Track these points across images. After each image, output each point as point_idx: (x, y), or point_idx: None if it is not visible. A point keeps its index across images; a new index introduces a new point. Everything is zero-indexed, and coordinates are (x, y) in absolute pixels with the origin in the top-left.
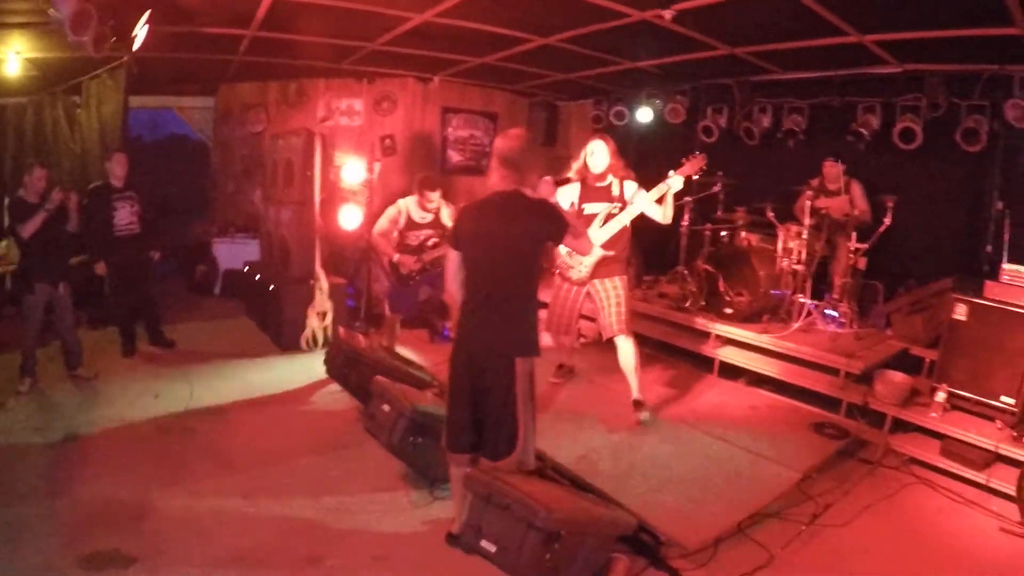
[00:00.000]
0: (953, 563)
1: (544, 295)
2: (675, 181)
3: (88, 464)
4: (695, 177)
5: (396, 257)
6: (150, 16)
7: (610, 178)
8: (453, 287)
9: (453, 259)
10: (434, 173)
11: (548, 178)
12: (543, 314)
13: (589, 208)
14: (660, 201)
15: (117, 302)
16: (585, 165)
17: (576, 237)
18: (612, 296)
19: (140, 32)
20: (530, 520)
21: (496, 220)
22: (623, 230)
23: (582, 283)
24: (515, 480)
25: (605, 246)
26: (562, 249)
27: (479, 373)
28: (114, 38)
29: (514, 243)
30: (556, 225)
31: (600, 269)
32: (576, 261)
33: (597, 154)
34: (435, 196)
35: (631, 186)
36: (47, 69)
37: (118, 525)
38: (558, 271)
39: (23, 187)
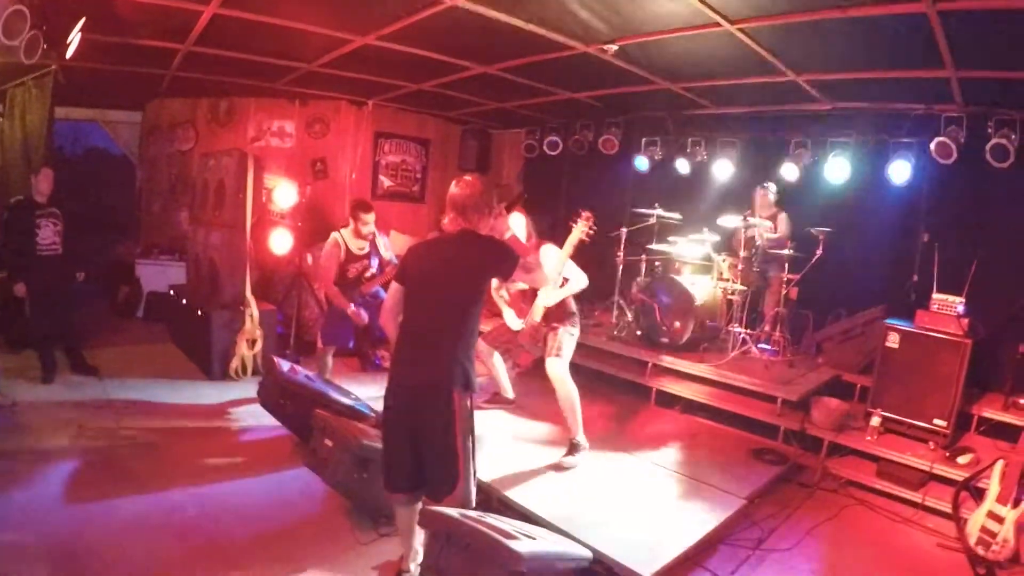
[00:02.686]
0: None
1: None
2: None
3: (11, 500)
4: (589, 232)
5: (351, 310)
6: (85, 24)
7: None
8: (389, 320)
9: (395, 292)
10: (365, 199)
11: (503, 210)
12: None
13: None
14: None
15: (37, 325)
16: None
17: (528, 271)
18: (556, 334)
19: (74, 40)
20: (494, 558)
21: (442, 256)
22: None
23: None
24: (472, 517)
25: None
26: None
27: (417, 410)
28: (45, 45)
29: (457, 279)
30: (504, 260)
31: (551, 320)
32: (511, 318)
33: (517, 229)
34: (370, 218)
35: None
36: None
37: (38, 558)
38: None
39: None
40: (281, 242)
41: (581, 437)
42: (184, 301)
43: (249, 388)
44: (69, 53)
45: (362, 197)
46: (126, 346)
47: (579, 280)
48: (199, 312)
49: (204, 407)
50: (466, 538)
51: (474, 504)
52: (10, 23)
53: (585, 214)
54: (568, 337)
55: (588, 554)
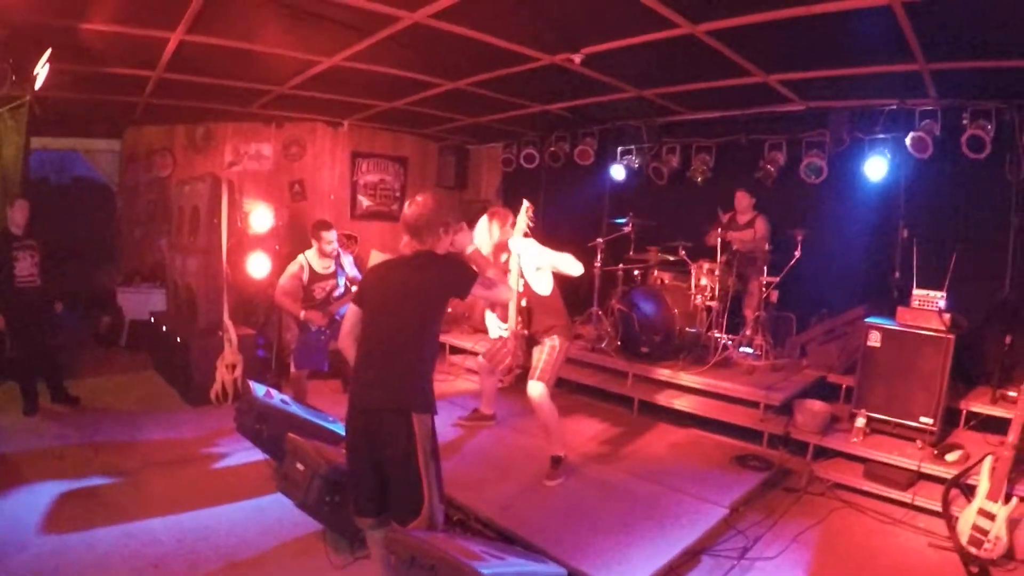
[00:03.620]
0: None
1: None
2: (515, 244)
3: None
4: (530, 223)
5: (303, 315)
6: (51, 55)
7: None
8: (347, 343)
9: (352, 314)
10: (335, 219)
11: (463, 226)
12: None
13: None
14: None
15: (17, 357)
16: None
17: (488, 287)
18: (541, 350)
19: (41, 71)
20: None
21: (398, 278)
22: (541, 303)
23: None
24: (438, 540)
25: (525, 326)
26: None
27: (375, 433)
28: (13, 76)
29: (412, 301)
30: (461, 279)
31: (538, 328)
32: (494, 324)
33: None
34: (331, 235)
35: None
36: None
37: None
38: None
39: None
40: (259, 266)
41: (562, 452)
42: (164, 328)
43: (229, 414)
44: (38, 84)
45: (321, 218)
46: (108, 375)
47: (568, 265)
48: (178, 339)
49: (183, 434)
50: (431, 560)
51: (440, 525)
52: None
53: (526, 204)
54: (553, 353)
55: (562, 572)
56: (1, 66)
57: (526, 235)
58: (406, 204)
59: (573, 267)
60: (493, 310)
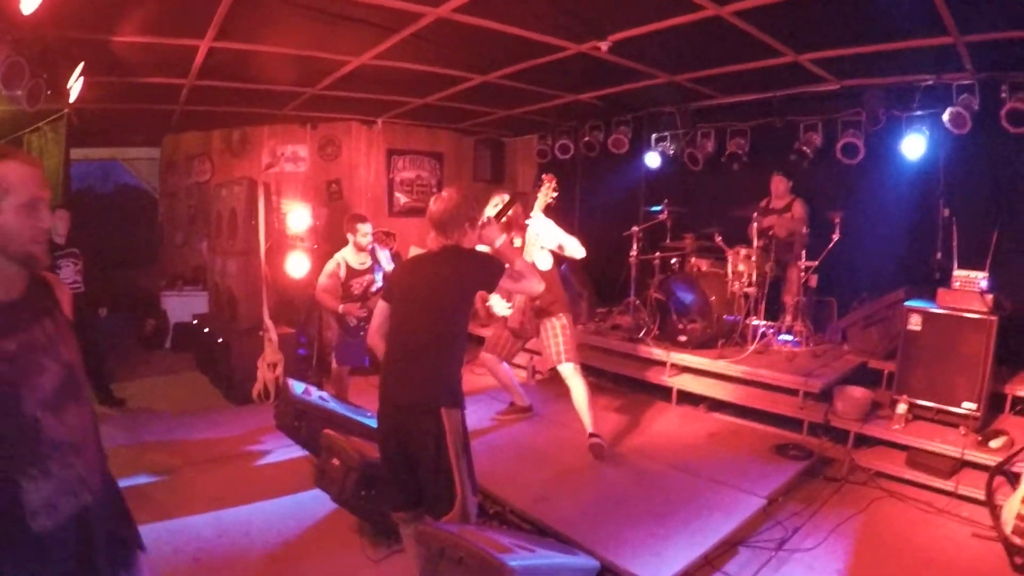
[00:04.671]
0: (930, 574)
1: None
2: (537, 219)
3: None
4: (552, 196)
5: (341, 308)
6: (84, 68)
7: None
8: (376, 339)
9: (381, 310)
10: (372, 217)
11: (491, 219)
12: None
13: None
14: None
15: None
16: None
17: (517, 280)
18: (553, 332)
19: (75, 84)
20: (487, 572)
21: (426, 273)
22: (547, 275)
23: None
24: (468, 532)
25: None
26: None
27: (405, 429)
28: (49, 91)
29: (439, 296)
30: (487, 274)
31: (540, 312)
32: (499, 305)
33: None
34: (366, 227)
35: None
36: None
37: None
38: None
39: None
40: (298, 265)
41: (596, 429)
42: (206, 329)
43: (271, 411)
44: (72, 97)
45: (355, 211)
46: (153, 377)
47: (573, 247)
48: (220, 339)
49: (226, 432)
50: (459, 552)
51: (474, 519)
52: (9, 74)
53: (546, 176)
54: (565, 331)
55: (595, 564)
56: (36, 81)
57: (547, 209)
58: (431, 200)
59: (578, 250)
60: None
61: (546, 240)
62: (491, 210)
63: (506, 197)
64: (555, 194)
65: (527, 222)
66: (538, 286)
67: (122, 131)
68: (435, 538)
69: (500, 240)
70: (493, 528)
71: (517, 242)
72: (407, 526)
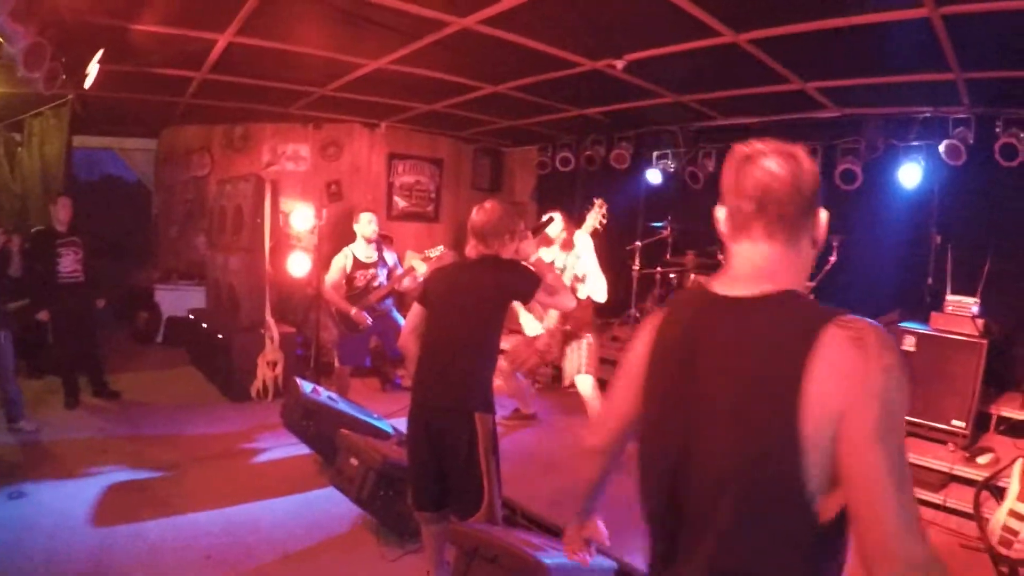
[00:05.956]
0: None
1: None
2: (583, 240)
3: (39, 524)
4: (602, 221)
5: (353, 312)
6: (103, 55)
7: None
8: (410, 341)
9: (416, 313)
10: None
11: (528, 234)
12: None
13: None
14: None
15: (60, 351)
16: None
17: (551, 294)
18: (579, 349)
19: (92, 70)
20: (521, 571)
21: (464, 280)
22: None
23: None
24: (499, 532)
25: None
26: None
27: (438, 431)
28: (64, 76)
29: (477, 303)
30: (525, 284)
31: (569, 335)
32: (530, 323)
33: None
34: (367, 216)
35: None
36: None
37: None
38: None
39: None
40: (299, 265)
41: None
42: (204, 325)
43: (271, 410)
44: (88, 83)
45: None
46: (147, 371)
47: (599, 287)
48: (219, 336)
49: (226, 429)
50: (494, 551)
51: (500, 520)
52: (31, 55)
53: (598, 201)
54: (590, 348)
55: (612, 565)
56: (54, 65)
57: (594, 234)
58: (474, 210)
59: (602, 292)
60: (531, 310)
61: (582, 265)
62: (594, 217)
63: (555, 216)
64: (604, 220)
65: (576, 240)
66: (571, 301)
67: (123, 121)
68: (468, 537)
69: (535, 255)
70: (519, 529)
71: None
72: (430, 526)
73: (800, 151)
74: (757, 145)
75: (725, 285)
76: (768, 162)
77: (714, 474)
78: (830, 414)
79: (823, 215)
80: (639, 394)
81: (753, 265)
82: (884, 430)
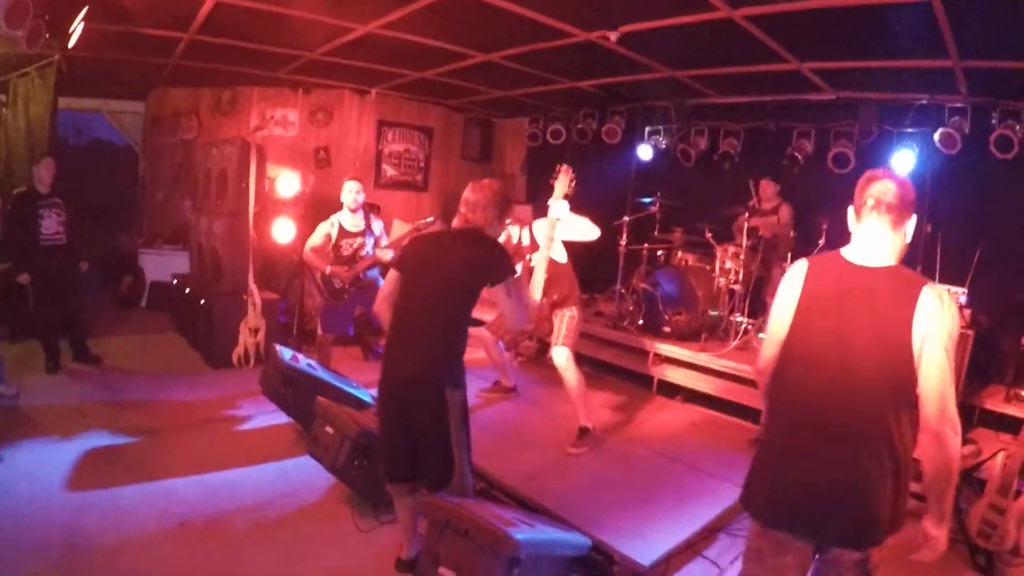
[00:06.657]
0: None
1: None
2: (557, 208)
3: (14, 489)
4: (571, 186)
5: (328, 269)
6: (87, 13)
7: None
8: (384, 307)
9: (392, 279)
10: (368, 187)
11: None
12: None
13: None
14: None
15: (41, 315)
16: None
17: (517, 289)
18: (560, 320)
19: (76, 29)
20: (492, 545)
21: (442, 250)
22: (558, 272)
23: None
24: (471, 505)
25: (546, 293)
26: None
27: (408, 401)
28: (47, 34)
29: (453, 275)
30: (500, 266)
31: (555, 306)
32: None
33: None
34: (351, 185)
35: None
36: None
37: (40, 546)
38: None
39: None
40: (284, 231)
41: (589, 424)
42: (187, 290)
43: (252, 377)
44: (72, 42)
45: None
46: (129, 335)
47: (589, 229)
48: (202, 301)
49: (206, 395)
50: (465, 524)
51: (471, 493)
52: (13, 12)
53: (564, 167)
54: (572, 321)
55: (587, 542)
56: (36, 22)
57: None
58: (469, 186)
59: (594, 231)
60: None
61: (568, 230)
62: (563, 183)
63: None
64: (573, 183)
65: (550, 209)
66: (522, 321)
67: (110, 82)
68: (440, 509)
69: (501, 238)
70: (490, 503)
71: (525, 239)
72: (402, 497)
73: (904, 177)
74: (879, 170)
75: (856, 256)
76: (885, 180)
77: (865, 372)
78: (923, 335)
79: (914, 217)
80: (795, 326)
81: (874, 245)
82: (949, 346)
